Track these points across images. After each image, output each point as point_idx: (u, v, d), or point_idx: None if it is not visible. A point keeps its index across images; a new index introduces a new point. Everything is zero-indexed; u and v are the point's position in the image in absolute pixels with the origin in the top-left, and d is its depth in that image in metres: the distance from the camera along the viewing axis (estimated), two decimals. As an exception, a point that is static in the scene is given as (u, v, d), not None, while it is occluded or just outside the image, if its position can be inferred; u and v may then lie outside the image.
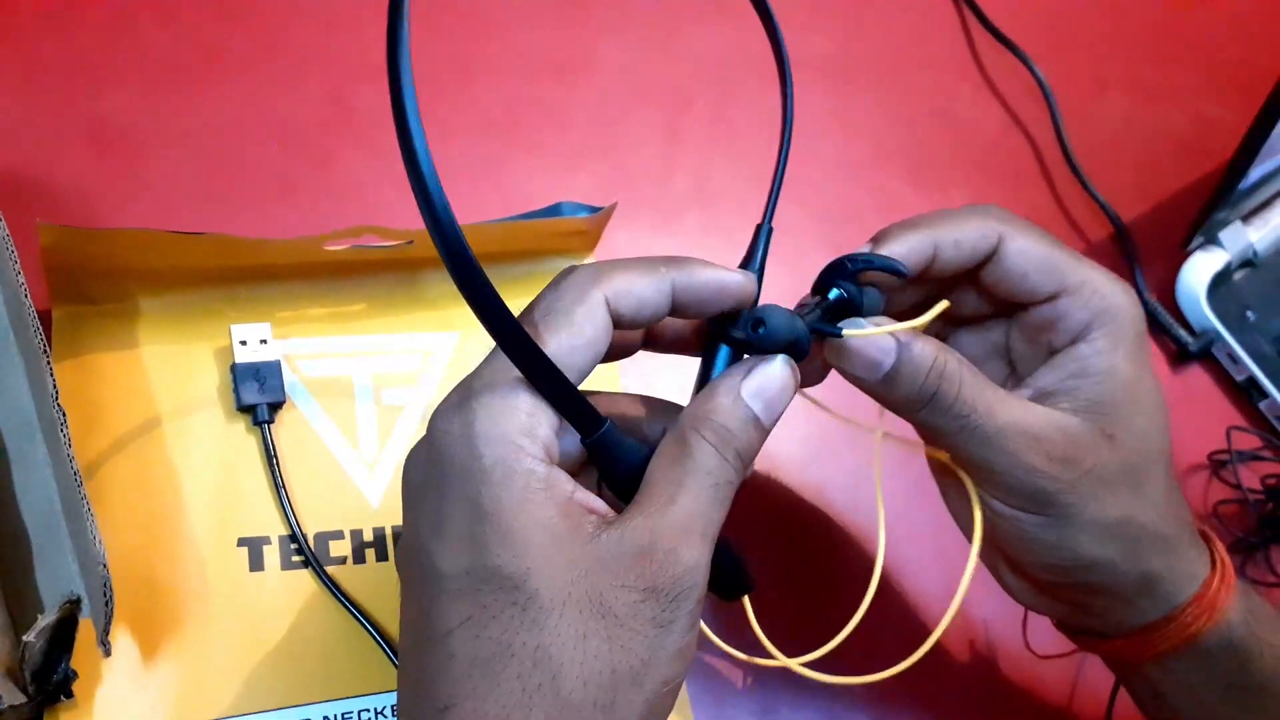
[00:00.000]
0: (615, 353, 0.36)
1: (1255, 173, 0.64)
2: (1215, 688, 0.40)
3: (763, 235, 0.38)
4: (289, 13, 0.62)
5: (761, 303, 0.36)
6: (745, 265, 0.37)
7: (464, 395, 0.31)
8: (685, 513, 0.31)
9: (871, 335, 0.36)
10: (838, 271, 0.37)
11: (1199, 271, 0.65)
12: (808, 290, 0.39)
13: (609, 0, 0.70)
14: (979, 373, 0.37)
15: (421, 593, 0.31)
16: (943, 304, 0.37)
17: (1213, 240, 0.66)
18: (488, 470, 0.30)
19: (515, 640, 0.29)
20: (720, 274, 0.35)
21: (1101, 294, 0.38)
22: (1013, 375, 0.41)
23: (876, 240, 0.38)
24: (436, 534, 0.31)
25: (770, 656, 0.39)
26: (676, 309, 0.34)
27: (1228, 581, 0.40)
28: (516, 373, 0.31)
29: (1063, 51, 0.75)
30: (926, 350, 0.36)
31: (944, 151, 0.69)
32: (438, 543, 0.30)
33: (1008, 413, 0.36)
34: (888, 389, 0.36)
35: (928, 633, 0.38)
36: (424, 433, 0.33)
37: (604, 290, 0.33)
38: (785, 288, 0.42)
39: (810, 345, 0.35)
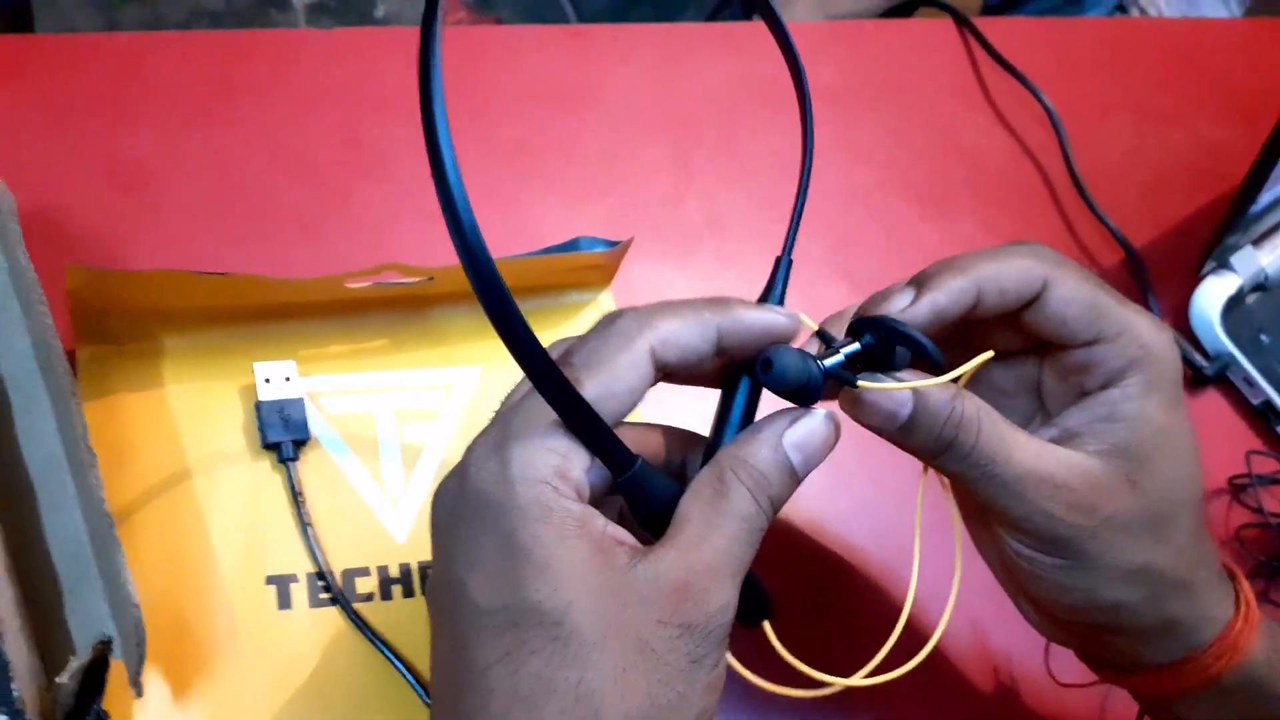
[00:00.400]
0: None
1: (1265, 197, 0.65)
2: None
3: (782, 268, 0.38)
4: (302, 51, 0.63)
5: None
6: (765, 298, 0.37)
7: (501, 436, 0.32)
8: (719, 553, 0.32)
9: (886, 390, 0.36)
10: (876, 327, 0.37)
11: (1212, 296, 0.65)
12: (818, 319, 0.39)
13: (615, 33, 0.71)
14: (998, 417, 0.37)
15: (457, 628, 0.31)
16: (978, 360, 0.37)
17: (1224, 265, 0.66)
18: (524, 509, 0.30)
19: (556, 676, 0.29)
20: (764, 316, 0.35)
21: (1140, 341, 0.38)
22: (1041, 410, 0.41)
23: (920, 284, 0.37)
24: (472, 569, 0.31)
25: (803, 681, 0.39)
26: (720, 352, 0.35)
27: (1251, 621, 0.40)
28: (553, 415, 0.31)
29: (1069, 79, 0.76)
30: (943, 399, 0.36)
31: (952, 179, 0.70)
32: (474, 578, 0.31)
33: (1027, 459, 0.36)
34: (905, 438, 0.36)
35: (946, 657, 0.38)
36: (450, 467, 0.33)
37: (650, 340, 0.33)
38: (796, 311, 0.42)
39: (821, 389, 0.35)
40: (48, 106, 0.55)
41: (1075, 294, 0.38)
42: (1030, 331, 0.39)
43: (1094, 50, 0.81)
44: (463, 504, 0.32)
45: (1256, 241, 0.68)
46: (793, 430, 0.34)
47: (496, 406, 0.35)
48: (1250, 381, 0.64)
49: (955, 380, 0.37)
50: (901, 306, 0.37)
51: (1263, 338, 0.66)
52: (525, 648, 0.30)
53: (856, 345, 0.36)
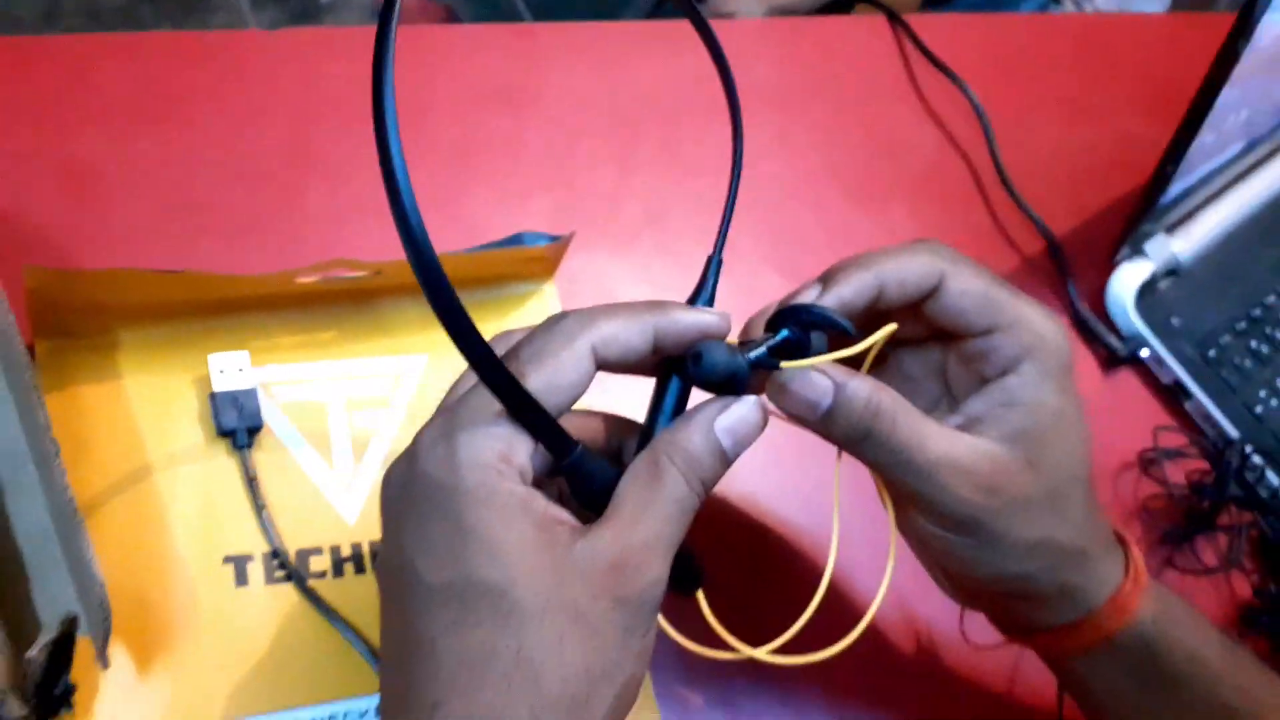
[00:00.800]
0: None
1: (1176, 187, 0.68)
2: (1132, 681, 0.43)
3: (713, 267, 0.40)
4: (248, 51, 0.64)
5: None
6: (696, 295, 0.40)
7: (448, 425, 0.34)
8: (652, 532, 0.34)
9: (808, 366, 0.38)
10: (792, 316, 0.39)
11: (1126, 281, 0.69)
12: (754, 308, 0.42)
13: (557, 31, 0.73)
14: (912, 408, 0.40)
15: (407, 604, 0.34)
16: (884, 331, 0.40)
17: (1139, 251, 0.70)
18: (470, 491, 0.33)
19: (499, 644, 0.32)
20: (698, 316, 0.37)
21: (1033, 330, 0.41)
22: (947, 395, 0.44)
23: (826, 280, 0.41)
24: (421, 549, 0.33)
25: (728, 646, 0.42)
26: (656, 350, 0.37)
27: (1140, 584, 0.43)
28: (497, 406, 0.34)
29: (998, 74, 0.79)
30: (861, 390, 0.39)
31: (884, 173, 0.73)
32: (423, 557, 0.33)
33: (938, 446, 0.39)
34: (827, 427, 0.39)
35: (872, 624, 0.41)
36: (399, 453, 0.36)
37: (591, 339, 0.35)
38: (732, 306, 0.44)
39: (747, 381, 0.37)
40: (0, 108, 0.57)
41: (969, 287, 0.40)
42: (932, 322, 0.42)
43: (1022, 46, 0.84)
44: (412, 487, 0.34)
45: (1170, 229, 0.72)
46: (724, 416, 0.36)
47: (443, 393, 0.37)
48: (1161, 361, 0.67)
49: (865, 353, 0.40)
50: (810, 300, 0.40)
51: (1174, 320, 0.69)
52: (470, 620, 0.32)
53: (777, 337, 0.39)
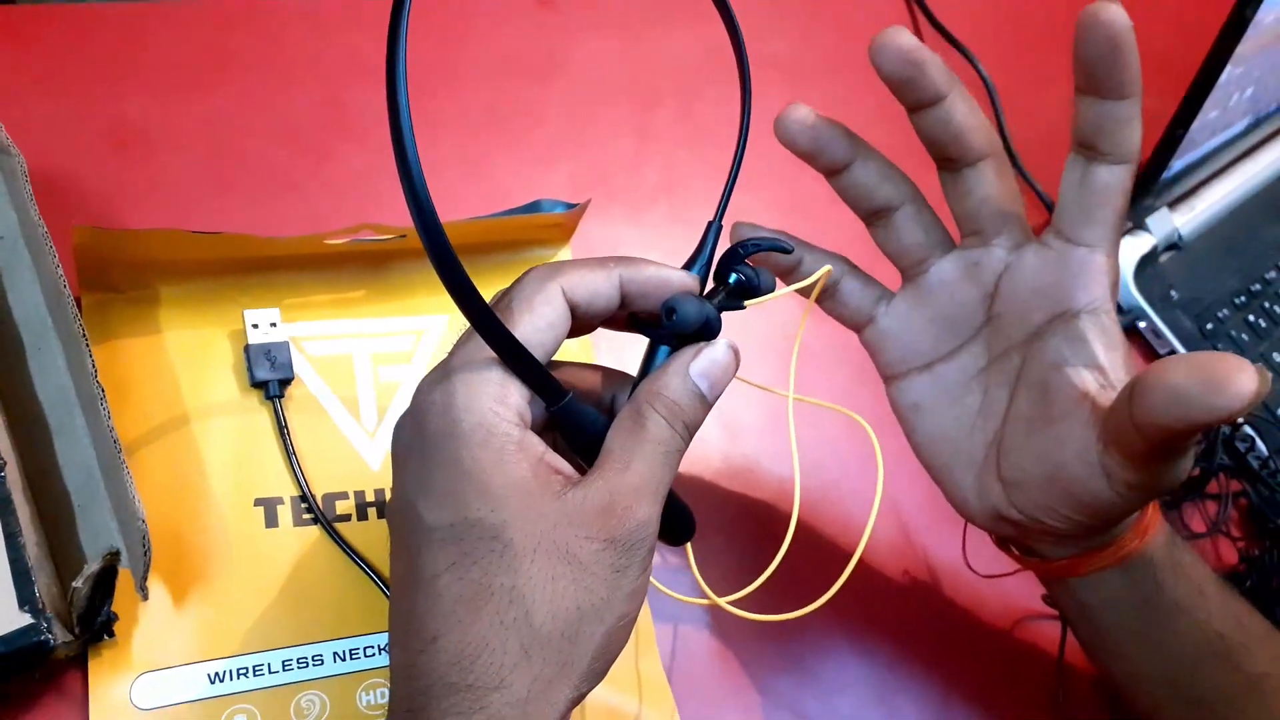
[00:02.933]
0: (575, 331, 0.40)
1: (1179, 163, 0.70)
2: (1134, 603, 0.46)
3: (712, 232, 0.43)
4: (288, 19, 0.67)
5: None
6: (694, 258, 0.42)
7: (444, 372, 0.36)
8: (639, 476, 0.37)
9: (771, 299, 0.41)
10: (733, 258, 0.42)
11: (1127, 254, 0.71)
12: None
13: (579, 4, 0.75)
14: None
15: (410, 543, 0.36)
16: (822, 271, 0.45)
17: (1140, 226, 0.72)
18: (468, 434, 0.35)
19: (494, 581, 0.34)
20: (663, 271, 0.40)
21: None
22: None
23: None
24: (423, 492, 0.36)
25: (706, 597, 0.44)
26: (625, 301, 0.39)
27: (1157, 510, 0.46)
28: (489, 353, 0.36)
29: (1006, 49, 0.81)
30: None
31: (895, 144, 0.74)
32: (425, 499, 0.35)
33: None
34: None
35: (875, 562, 0.44)
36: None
37: (560, 282, 0.38)
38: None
39: (719, 325, 0.40)
40: (52, 73, 0.59)
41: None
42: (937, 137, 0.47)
43: (1032, 19, 0.86)
44: (414, 434, 0.37)
45: (1172, 204, 0.74)
46: (697, 360, 0.39)
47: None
48: (1158, 333, 0.69)
49: (814, 286, 0.45)
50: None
51: (1173, 293, 0.71)
52: (468, 558, 0.34)
53: (731, 282, 0.42)
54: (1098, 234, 0.43)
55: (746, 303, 0.41)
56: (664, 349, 0.40)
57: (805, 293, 0.45)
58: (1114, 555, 0.45)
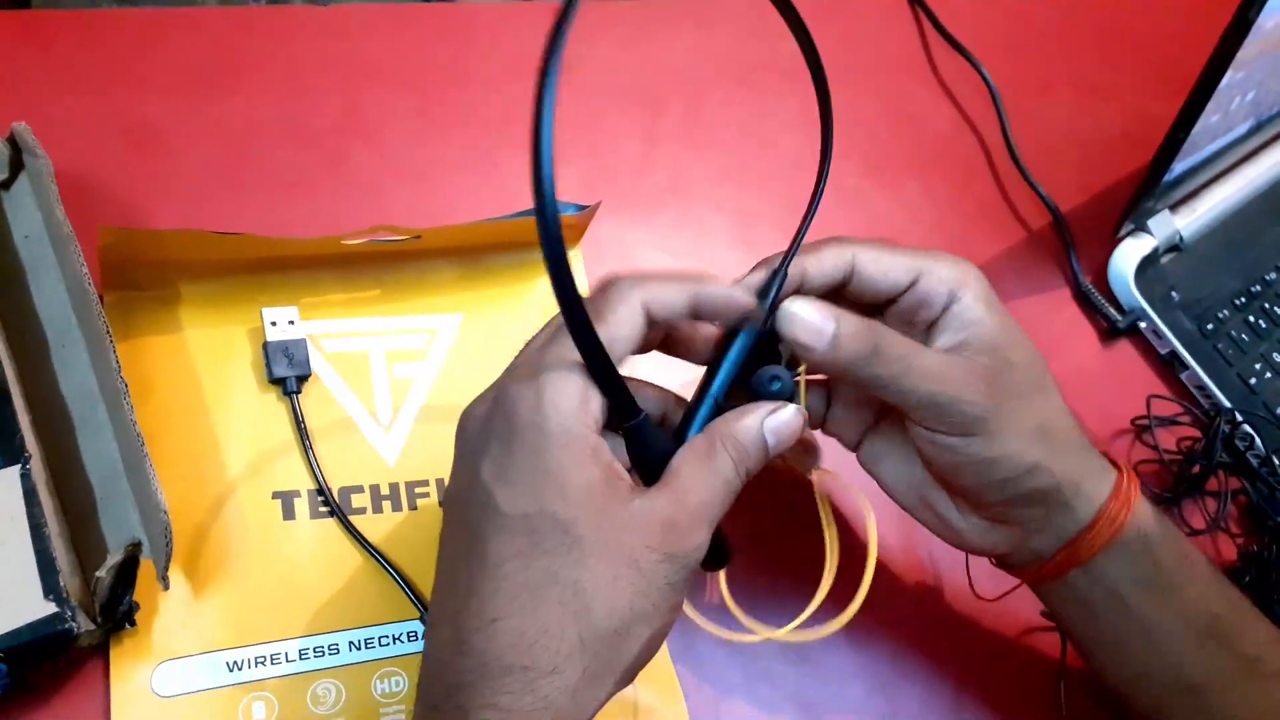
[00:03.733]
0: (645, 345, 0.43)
1: (1181, 165, 0.71)
2: (1135, 585, 0.47)
3: (780, 275, 0.44)
4: (303, 24, 0.68)
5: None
6: (763, 294, 0.43)
7: (535, 369, 0.38)
8: (702, 503, 0.39)
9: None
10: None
11: (1128, 256, 0.72)
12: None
13: (590, 8, 0.76)
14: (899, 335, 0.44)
15: (479, 529, 0.38)
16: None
17: (1142, 227, 0.73)
18: (553, 433, 0.37)
19: (561, 572, 0.36)
20: (732, 291, 0.42)
21: (950, 266, 0.45)
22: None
23: (756, 270, 0.45)
24: (501, 481, 0.37)
25: (742, 625, 0.47)
26: (693, 313, 0.42)
27: (1134, 481, 0.47)
28: (577, 357, 0.37)
29: (1011, 54, 0.82)
30: (854, 316, 0.42)
31: (898, 149, 0.76)
32: (502, 487, 0.37)
33: (935, 359, 0.43)
34: (835, 353, 0.42)
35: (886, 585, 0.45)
36: (435, 402, 0.40)
37: (642, 296, 0.40)
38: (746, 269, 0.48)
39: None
40: (73, 76, 0.61)
41: (880, 252, 0.45)
42: (859, 299, 0.46)
43: (1037, 24, 0.87)
44: (496, 424, 0.38)
45: (1174, 206, 0.75)
46: (773, 417, 0.41)
47: (476, 349, 0.42)
48: (1158, 333, 0.70)
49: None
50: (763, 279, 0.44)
51: (1173, 294, 0.72)
52: (538, 548, 0.36)
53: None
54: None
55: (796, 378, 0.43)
56: (734, 355, 0.42)
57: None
58: (1106, 531, 0.46)
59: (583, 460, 0.37)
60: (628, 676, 0.38)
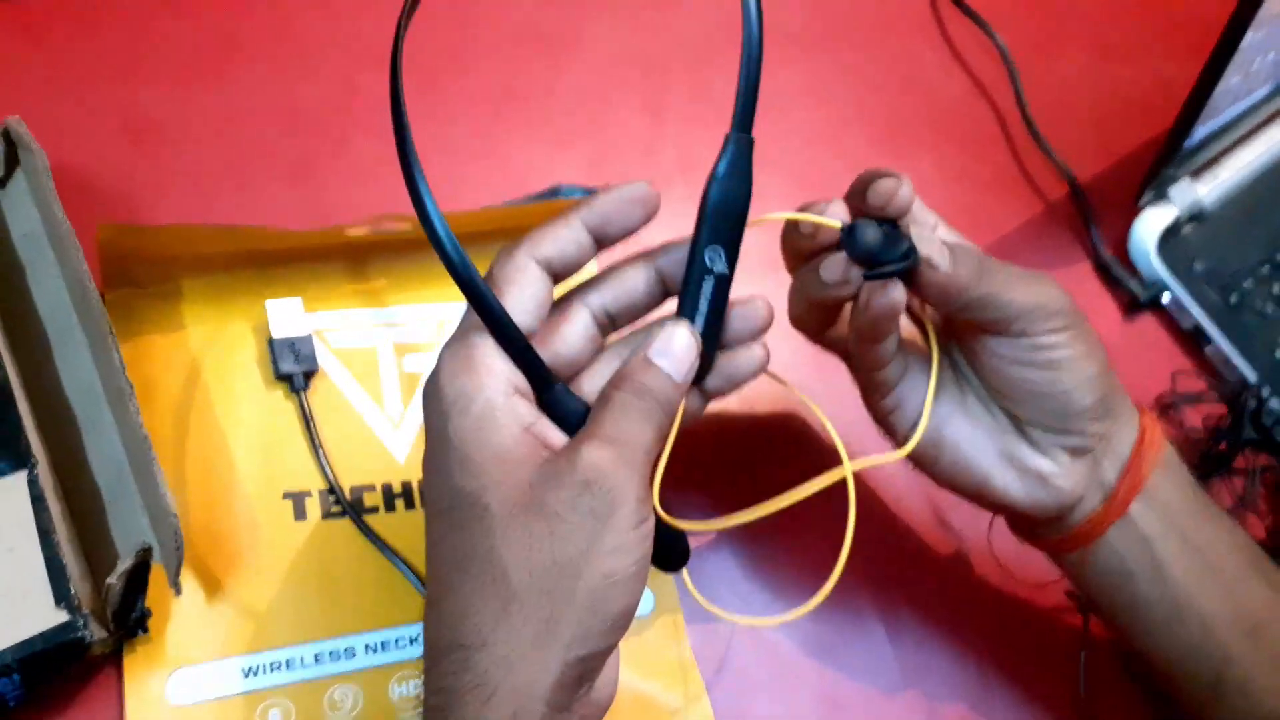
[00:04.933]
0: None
1: (1201, 131, 0.69)
2: (1186, 513, 0.47)
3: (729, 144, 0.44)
4: (299, 7, 0.66)
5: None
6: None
7: (445, 342, 0.38)
8: (613, 426, 0.37)
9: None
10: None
11: (1150, 226, 0.70)
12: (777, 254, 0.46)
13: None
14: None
15: (426, 513, 0.39)
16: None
17: (1163, 196, 0.71)
18: (450, 405, 0.37)
19: (477, 545, 0.36)
20: (614, 190, 0.41)
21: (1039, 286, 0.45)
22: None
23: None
24: (428, 468, 0.38)
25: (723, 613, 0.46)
26: (600, 239, 0.41)
27: (1155, 420, 0.47)
28: (484, 328, 0.37)
29: (1024, 16, 0.80)
30: (967, 243, 0.44)
31: (911, 117, 0.74)
32: (429, 475, 0.38)
33: (1023, 285, 0.44)
34: (951, 277, 0.42)
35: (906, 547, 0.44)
36: None
37: (529, 253, 0.39)
38: (762, 248, 0.47)
39: (899, 258, 0.41)
40: (64, 68, 0.59)
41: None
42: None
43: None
44: (424, 409, 0.39)
45: (1195, 174, 0.73)
46: (655, 343, 0.40)
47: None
48: (1182, 306, 0.69)
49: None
50: (895, 187, 0.43)
51: (1196, 265, 0.70)
52: (455, 526, 0.36)
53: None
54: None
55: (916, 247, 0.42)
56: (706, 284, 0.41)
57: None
58: (1154, 446, 0.46)
59: (484, 426, 0.36)
60: (589, 638, 0.36)
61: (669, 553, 0.44)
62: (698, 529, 0.45)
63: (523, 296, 0.39)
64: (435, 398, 0.37)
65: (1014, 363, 0.45)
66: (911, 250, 0.41)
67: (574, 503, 0.36)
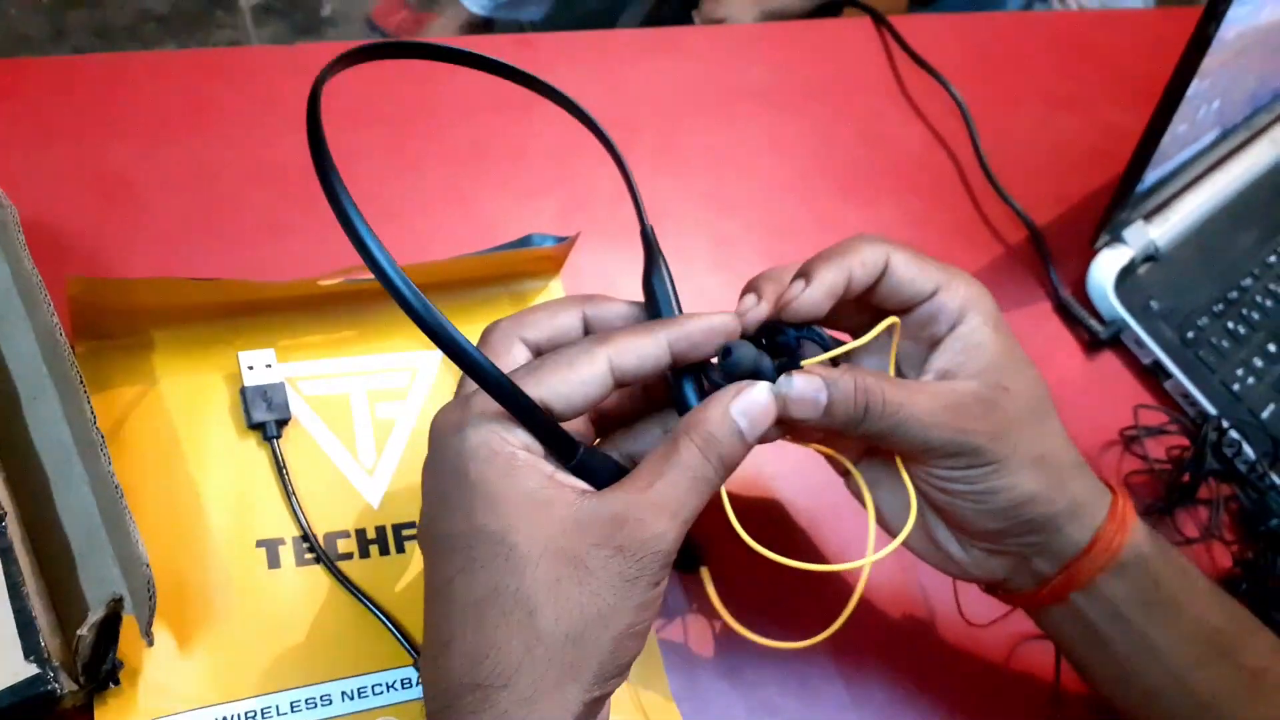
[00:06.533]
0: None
1: (1152, 176, 0.71)
2: (1135, 605, 0.46)
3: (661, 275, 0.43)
4: (266, 66, 0.68)
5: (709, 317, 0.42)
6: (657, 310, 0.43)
7: (461, 415, 0.38)
8: (660, 494, 0.37)
9: (827, 359, 0.43)
10: (779, 331, 0.43)
11: (1106, 267, 0.72)
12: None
13: (557, 40, 0.76)
14: (890, 377, 0.44)
15: (431, 554, 0.38)
16: (886, 322, 0.44)
17: (1117, 238, 0.73)
18: (474, 451, 0.36)
19: (501, 583, 0.36)
20: (707, 320, 0.41)
21: (966, 284, 0.45)
22: (898, 373, 0.47)
23: (806, 275, 0.44)
24: (438, 506, 0.38)
25: (742, 627, 0.45)
26: (676, 359, 0.40)
27: (1129, 504, 0.47)
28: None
29: (979, 71, 0.83)
30: (846, 380, 0.42)
31: (872, 169, 0.76)
32: (440, 513, 0.37)
33: (928, 399, 0.43)
34: (830, 419, 0.42)
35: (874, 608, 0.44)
36: (419, 440, 0.40)
37: (607, 352, 0.39)
38: (730, 295, 0.47)
39: (773, 372, 0.41)
40: (38, 124, 0.60)
41: (910, 258, 0.45)
42: (884, 301, 0.45)
43: (1005, 44, 0.88)
44: (432, 458, 0.38)
45: (1148, 216, 0.75)
46: (739, 399, 0.40)
47: (455, 385, 0.41)
48: (1140, 343, 0.70)
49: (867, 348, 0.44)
50: (799, 292, 0.43)
51: (1152, 304, 0.72)
52: (476, 563, 0.36)
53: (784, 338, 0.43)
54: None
55: (803, 363, 0.42)
56: (688, 381, 0.41)
57: (871, 349, 0.46)
58: (1104, 554, 0.45)
59: (511, 473, 0.36)
60: (604, 681, 0.37)
61: (683, 554, 0.43)
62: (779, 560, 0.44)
63: (577, 381, 0.38)
64: (458, 447, 0.37)
65: (918, 475, 0.45)
66: (768, 371, 0.41)
67: (607, 563, 0.36)
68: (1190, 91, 0.65)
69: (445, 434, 0.38)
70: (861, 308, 0.46)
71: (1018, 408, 0.44)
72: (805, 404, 0.42)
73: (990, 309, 0.45)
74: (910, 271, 0.44)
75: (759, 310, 0.43)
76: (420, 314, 0.34)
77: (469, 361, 0.35)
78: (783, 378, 0.41)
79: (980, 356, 0.44)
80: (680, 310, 0.42)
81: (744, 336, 0.42)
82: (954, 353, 0.45)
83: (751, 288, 0.44)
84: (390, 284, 0.34)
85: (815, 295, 0.43)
